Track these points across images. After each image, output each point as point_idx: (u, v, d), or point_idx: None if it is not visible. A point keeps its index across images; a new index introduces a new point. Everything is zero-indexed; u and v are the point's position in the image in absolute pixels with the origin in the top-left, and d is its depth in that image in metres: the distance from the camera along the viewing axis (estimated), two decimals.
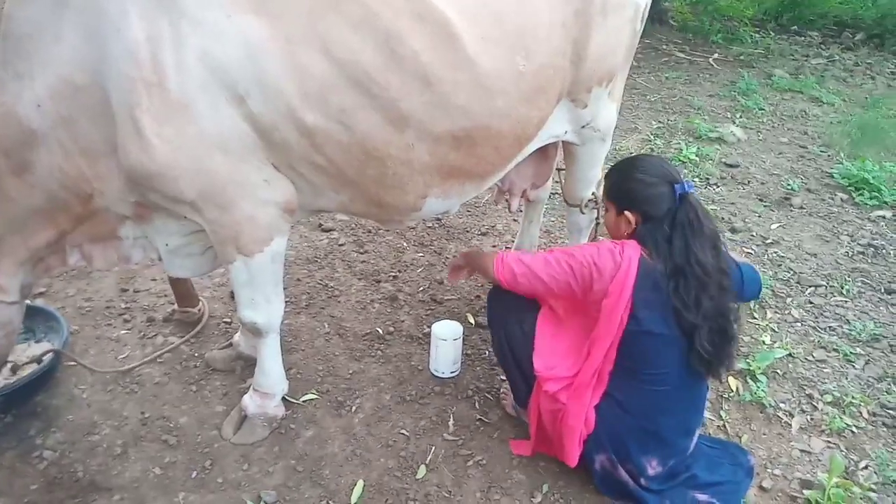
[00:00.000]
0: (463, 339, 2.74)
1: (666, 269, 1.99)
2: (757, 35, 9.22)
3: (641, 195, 2.07)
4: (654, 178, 2.06)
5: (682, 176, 2.08)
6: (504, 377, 2.54)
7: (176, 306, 2.95)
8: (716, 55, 8.13)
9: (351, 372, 2.76)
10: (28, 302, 2.29)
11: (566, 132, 2.58)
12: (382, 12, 1.89)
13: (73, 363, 2.60)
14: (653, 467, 2.12)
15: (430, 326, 3.04)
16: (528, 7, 2.13)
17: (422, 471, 2.32)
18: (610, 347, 2.04)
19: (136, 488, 2.20)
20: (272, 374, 2.43)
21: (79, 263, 2.20)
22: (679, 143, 5.28)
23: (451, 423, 2.52)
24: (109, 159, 1.88)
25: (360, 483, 2.25)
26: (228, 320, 3.02)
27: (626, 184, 2.12)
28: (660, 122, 5.82)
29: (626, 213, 2.10)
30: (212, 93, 1.81)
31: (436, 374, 2.75)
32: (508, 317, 2.29)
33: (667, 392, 2.07)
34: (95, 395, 2.55)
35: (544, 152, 2.72)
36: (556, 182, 3.16)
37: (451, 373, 2.74)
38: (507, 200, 3.01)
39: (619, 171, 2.20)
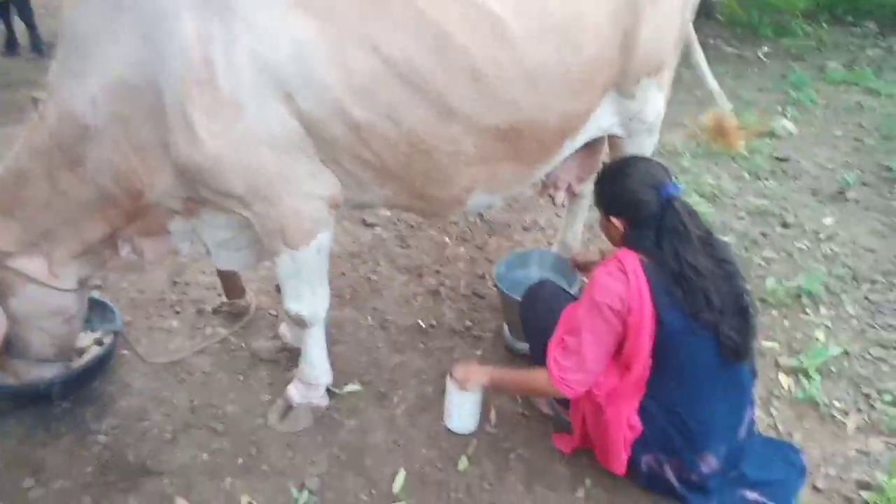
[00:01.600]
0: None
1: (668, 275, 1.95)
2: (809, 27, 8.92)
3: (626, 200, 2.04)
4: (638, 182, 2.03)
5: (670, 179, 2.03)
6: None
7: (224, 298, 3.01)
8: (765, 48, 7.90)
9: (394, 364, 2.78)
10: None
11: (613, 125, 2.54)
12: (429, 9, 1.90)
13: (126, 352, 2.68)
14: (708, 464, 2.06)
15: (470, 318, 3.05)
16: (578, 0, 2.10)
17: (463, 462, 2.32)
18: (644, 360, 2.01)
19: (185, 473, 2.26)
20: (317, 364, 2.46)
21: (130, 256, 2.27)
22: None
23: (493, 415, 2.51)
24: (161, 155, 1.94)
25: (402, 473, 2.27)
26: (275, 312, 3.07)
27: (611, 189, 2.10)
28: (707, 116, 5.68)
29: (613, 218, 2.08)
30: (261, 90, 1.84)
31: (457, 431, 2.41)
32: (546, 320, 2.24)
33: (706, 382, 2.03)
34: (147, 382, 2.63)
35: (591, 145, 2.69)
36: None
37: (474, 426, 2.43)
38: (550, 194, 2.98)
39: (605, 177, 2.17)
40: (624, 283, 1.95)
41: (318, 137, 1.96)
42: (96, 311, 2.69)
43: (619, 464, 2.13)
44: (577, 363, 2.02)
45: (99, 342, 2.63)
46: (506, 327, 2.90)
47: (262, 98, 1.85)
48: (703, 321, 1.94)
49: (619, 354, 2.06)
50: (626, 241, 2.08)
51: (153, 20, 1.80)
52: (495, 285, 2.87)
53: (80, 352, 2.56)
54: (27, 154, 1.99)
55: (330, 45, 1.86)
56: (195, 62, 1.79)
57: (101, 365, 2.56)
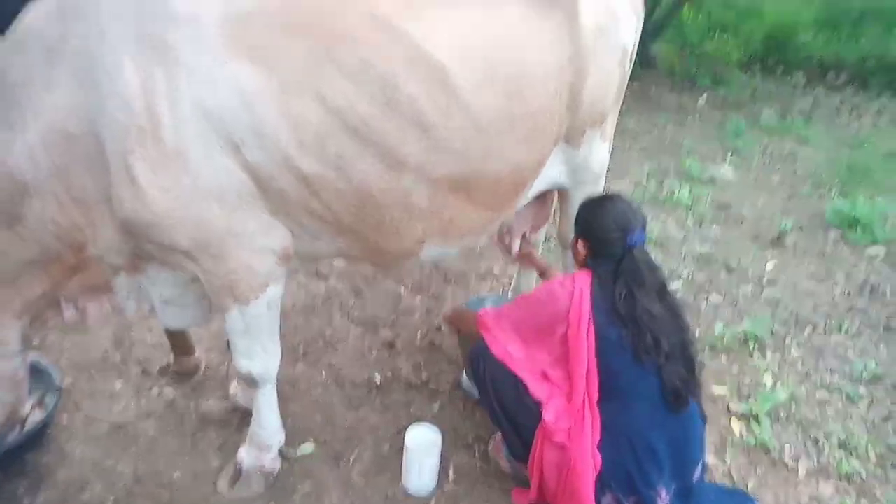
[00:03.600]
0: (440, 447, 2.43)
1: (614, 308, 2.05)
2: (744, 77, 9.42)
3: (595, 232, 2.17)
4: (610, 221, 2.14)
5: (640, 227, 2.13)
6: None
7: (172, 357, 2.91)
8: (704, 97, 8.28)
9: (349, 421, 2.72)
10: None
11: (561, 174, 2.60)
12: (376, 59, 1.91)
13: (66, 417, 2.55)
14: (662, 499, 2.08)
15: (427, 371, 3.02)
16: (523, 52, 2.16)
17: None
18: (588, 375, 2.06)
19: None
20: (269, 425, 2.39)
21: (74, 319, 2.18)
22: (671, 185, 5.33)
23: (451, 472, 2.47)
24: (103, 208, 1.87)
25: None
26: (225, 370, 2.98)
27: (587, 217, 2.23)
28: (652, 164, 5.88)
29: (580, 241, 2.22)
30: (207, 142, 1.81)
31: (415, 493, 2.37)
32: (496, 373, 2.26)
33: (653, 409, 2.08)
34: (88, 451, 2.50)
35: (543, 195, 2.74)
36: (552, 224, 3.17)
37: (433, 485, 2.40)
38: (505, 244, 3.01)
39: (587, 205, 2.29)
40: (569, 293, 2.09)
41: (266, 190, 1.93)
42: (32, 374, 2.55)
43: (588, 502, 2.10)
44: (502, 313, 2.28)
45: (39, 405, 2.49)
46: (464, 375, 2.88)
47: (208, 150, 1.81)
48: (649, 360, 2.02)
49: (564, 371, 2.13)
50: (586, 265, 2.20)
51: (92, 67, 1.75)
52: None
53: (22, 421, 2.42)
54: None
55: (276, 94, 1.83)
56: (138, 112, 1.74)
57: (39, 433, 2.42)
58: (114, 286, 2.15)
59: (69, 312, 2.15)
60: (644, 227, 2.15)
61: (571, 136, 2.47)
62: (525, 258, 2.95)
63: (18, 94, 1.79)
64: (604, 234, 2.13)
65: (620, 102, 2.72)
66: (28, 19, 1.83)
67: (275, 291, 2.12)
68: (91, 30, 1.76)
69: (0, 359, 2.09)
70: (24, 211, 1.87)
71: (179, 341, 2.86)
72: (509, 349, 2.21)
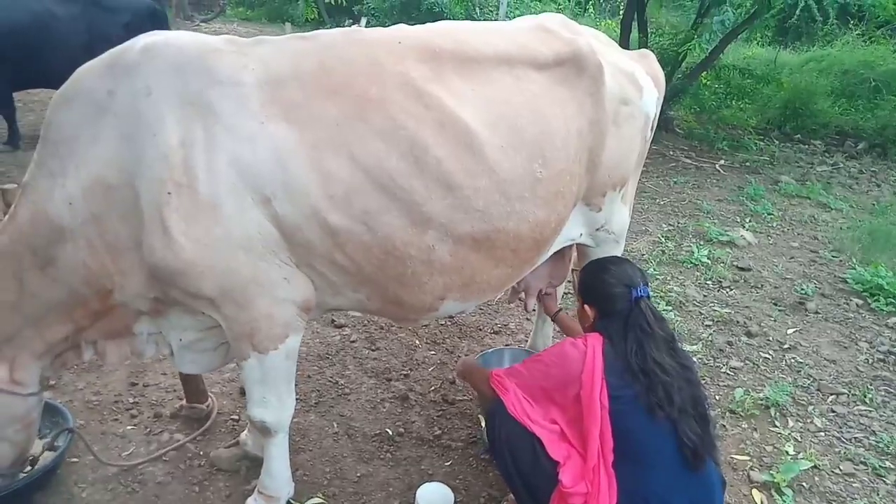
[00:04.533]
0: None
1: (627, 366, 2.04)
2: (761, 143, 9.51)
3: (599, 292, 2.22)
4: (613, 279, 2.20)
5: (641, 282, 2.19)
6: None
7: (184, 402, 2.90)
8: (722, 161, 8.35)
9: (359, 475, 2.67)
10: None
11: (581, 234, 2.62)
12: (407, 121, 1.98)
13: (75, 459, 2.53)
14: None
15: (439, 426, 2.98)
16: (546, 117, 2.22)
17: None
18: (603, 436, 2.03)
19: None
20: (278, 476, 2.35)
21: (92, 359, 2.19)
22: (690, 246, 5.32)
23: None
24: (133, 255, 1.92)
25: None
26: (237, 417, 2.96)
27: (590, 280, 2.29)
28: (670, 224, 5.90)
29: (587, 306, 2.25)
30: (240, 195, 1.87)
31: None
32: (512, 433, 2.23)
33: (671, 474, 2.03)
34: (95, 494, 2.47)
35: (560, 253, 2.75)
36: (569, 282, 3.17)
37: None
38: (521, 300, 3.01)
39: (588, 269, 2.37)
40: (582, 354, 2.08)
41: (293, 242, 1.97)
42: (45, 414, 2.55)
43: None
44: (515, 373, 2.26)
45: (51, 447, 2.48)
46: (483, 427, 2.83)
47: (240, 202, 1.87)
48: (662, 416, 1.99)
49: (578, 433, 2.10)
50: (596, 328, 2.21)
51: (136, 122, 1.84)
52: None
53: (33, 460, 2.40)
54: None
55: (308, 151, 1.90)
56: (175, 166, 1.81)
57: (49, 473, 2.40)
58: (135, 330, 2.17)
59: (88, 353, 2.17)
60: (646, 283, 2.22)
61: (591, 198, 2.50)
62: (543, 300, 2.95)
63: (64, 147, 1.89)
64: (609, 291, 2.18)
65: (641, 167, 2.75)
66: (79, 75, 1.93)
67: (294, 342, 2.13)
68: (137, 87, 1.85)
69: (15, 399, 2.10)
70: (58, 255, 1.93)
71: (193, 386, 2.86)
72: (526, 409, 2.19)
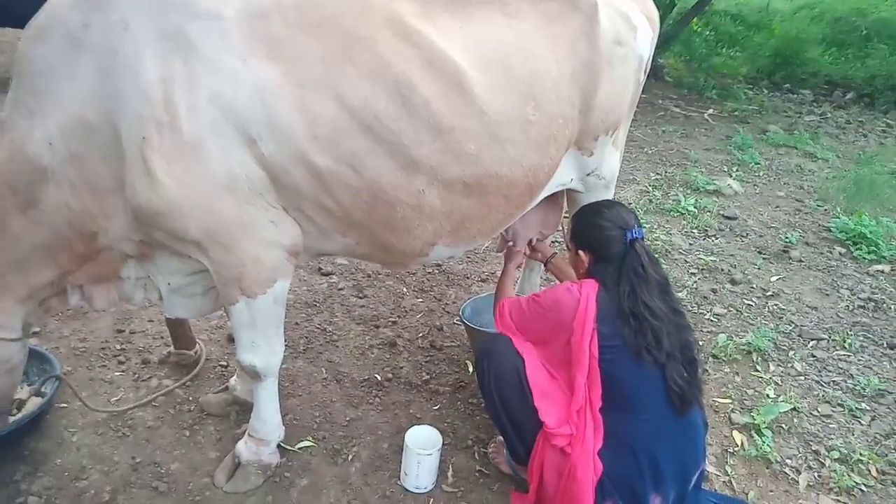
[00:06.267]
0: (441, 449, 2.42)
1: (619, 311, 2.05)
2: (750, 92, 9.45)
3: (594, 237, 2.20)
4: (607, 222, 2.18)
5: (635, 224, 2.17)
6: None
7: (172, 348, 2.90)
8: (711, 110, 8.30)
9: (348, 419, 2.70)
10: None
11: (572, 180, 2.60)
12: (394, 60, 1.91)
13: (65, 405, 2.53)
14: None
15: (427, 372, 3.01)
16: (537, 58, 2.16)
17: None
18: (591, 383, 2.05)
19: None
20: (268, 419, 2.37)
21: (79, 304, 2.17)
22: (677, 195, 5.33)
23: (450, 473, 2.46)
24: (117, 197, 1.87)
25: None
26: (225, 363, 2.96)
27: (583, 225, 2.26)
28: (658, 174, 5.89)
29: (581, 252, 2.23)
30: (223, 134, 1.81)
31: (414, 490, 2.37)
32: (500, 377, 2.25)
33: (657, 420, 2.07)
34: (86, 438, 2.48)
35: (553, 201, 2.73)
36: (559, 229, 3.16)
37: (432, 485, 2.40)
38: (510, 247, 2.99)
39: (580, 214, 2.34)
40: (575, 300, 2.07)
41: (279, 184, 1.93)
42: (33, 361, 2.54)
43: None
44: (518, 307, 2.26)
45: (38, 393, 2.48)
46: (470, 372, 2.87)
47: (224, 142, 1.82)
48: (650, 360, 2.01)
49: (567, 376, 2.12)
50: (591, 274, 2.20)
51: (113, 58, 1.76)
52: (464, 323, 2.92)
53: (19, 404, 2.40)
54: None
55: (293, 91, 1.84)
56: (156, 103, 1.75)
57: (38, 418, 2.41)
58: (122, 275, 2.14)
59: (75, 298, 2.14)
60: (640, 225, 2.19)
61: (583, 142, 2.46)
62: (533, 250, 2.91)
63: (39, 81, 1.81)
64: (603, 235, 2.16)
65: (633, 112, 2.71)
66: (52, 6, 1.83)
67: (282, 286, 2.11)
68: (113, 20, 1.77)
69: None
70: (40, 196, 1.88)
71: (180, 332, 2.85)
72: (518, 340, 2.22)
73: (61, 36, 1.80)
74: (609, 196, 2.75)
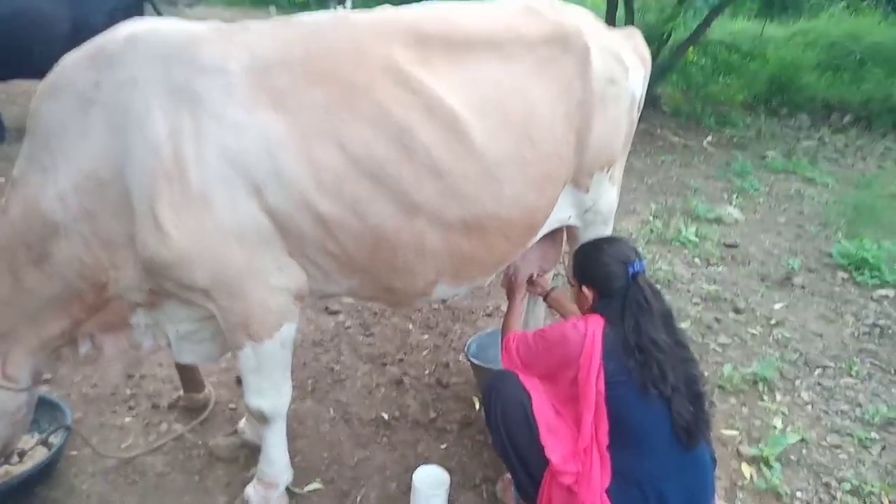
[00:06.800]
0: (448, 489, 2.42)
1: (625, 345, 2.06)
2: (748, 118, 9.54)
3: (596, 273, 2.22)
4: (608, 257, 2.21)
5: (637, 258, 2.20)
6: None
7: (181, 392, 2.92)
8: (709, 138, 8.38)
9: (356, 459, 2.71)
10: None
11: (570, 216, 2.64)
12: (394, 108, 1.98)
13: (75, 452, 2.55)
14: None
15: (434, 409, 3.02)
16: (533, 100, 2.22)
17: None
18: (598, 420, 2.05)
19: None
20: (277, 462, 2.39)
21: (89, 353, 2.20)
22: (678, 225, 5.36)
23: None
24: (128, 250, 1.93)
25: None
26: (234, 406, 2.98)
27: (585, 262, 2.29)
28: (658, 203, 5.94)
29: (584, 288, 2.25)
30: (231, 185, 1.87)
31: None
32: (507, 413, 2.26)
33: (664, 455, 2.06)
34: (96, 486, 2.50)
35: (552, 237, 2.77)
36: (560, 263, 3.20)
37: None
38: (511, 286, 3.02)
39: (582, 251, 2.36)
40: (581, 336, 2.08)
41: (285, 231, 1.98)
42: (45, 409, 2.57)
43: None
44: (524, 342, 2.29)
45: (45, 443, 2.49)
46: (477, 408, 2.88)
47: (231, 192, 1.87)
48: (655, 394, 2.01)
49: (573, 414, 2.13)
50: (595, 310, 2.22)
51: (123, 114, 1.83)
52: (469, 361, 2.92)
53: (21, 453, 2.42)
54: None
55: (298, 140, 1.90)
56: (165, 157, 1.81)
57: (47, 469, 2.42)
58: (131, 322, 2.18)
59: (85, 348, 2.18)
60: (641, 258, 2.22)
61: (580, 179, 2.51)
62: (532, 284, 2.94)
63: (52, 139, 1.88)
64: (605, 270, 2.19)
65: (629, 147, 2.77)
66: (64, 66, 1.91)
67: (289, 330, 2.15)
68: (123, 78, 1.84)
69: (9, 395, 2.11)
70: (52, 250, 1.93)
71: (189, 376, 2.88)
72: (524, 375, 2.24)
73: (73, 94, 1.87)
74: (608, 231, 2.80)
